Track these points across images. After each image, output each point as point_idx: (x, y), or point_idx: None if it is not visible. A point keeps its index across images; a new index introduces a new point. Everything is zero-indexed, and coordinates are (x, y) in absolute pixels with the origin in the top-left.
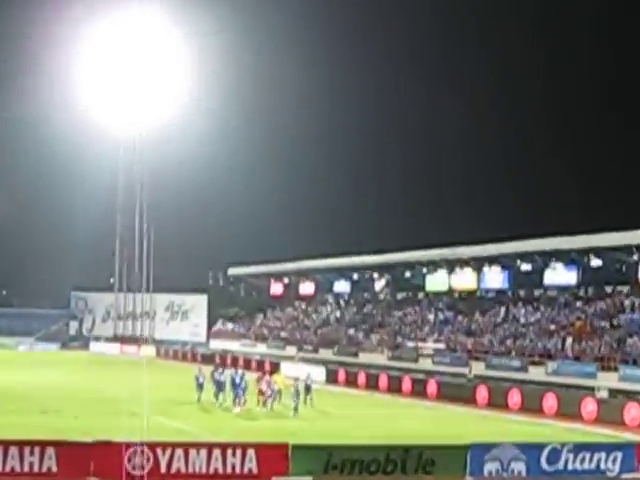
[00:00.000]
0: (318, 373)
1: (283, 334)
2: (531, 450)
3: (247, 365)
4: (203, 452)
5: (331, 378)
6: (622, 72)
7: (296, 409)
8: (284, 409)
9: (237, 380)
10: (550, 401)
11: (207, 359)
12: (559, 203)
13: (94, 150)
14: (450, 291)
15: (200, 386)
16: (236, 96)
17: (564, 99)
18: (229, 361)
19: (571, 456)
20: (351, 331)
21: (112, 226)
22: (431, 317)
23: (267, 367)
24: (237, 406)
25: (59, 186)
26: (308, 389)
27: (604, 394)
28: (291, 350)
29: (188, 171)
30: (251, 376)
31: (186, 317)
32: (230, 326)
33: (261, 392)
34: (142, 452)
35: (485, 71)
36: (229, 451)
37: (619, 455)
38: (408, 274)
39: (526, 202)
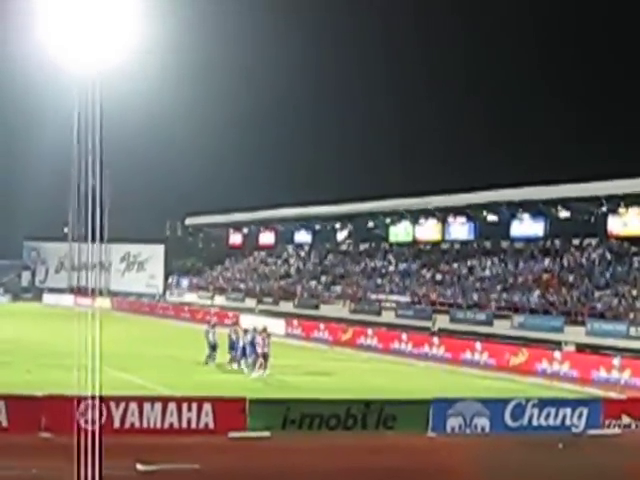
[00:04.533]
0: (278, 326)
1: (242, 286)
2: (495, 405)
3: (204, 317)
4: (158, 406)
5: (291, 331)
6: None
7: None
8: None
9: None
10: (515, 355)
11: (166, 311)
12: (527, 153)
13: (47, 91)
14: (414, 242)
15: (213, 347)
16: (199, 39)
17: (537, 42)
18: (188, 314)
19: (536, 411)
20: (312, 283)
21: (66, 172)
22: (394, 269)
23: (232, 320)
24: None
25: (9, 128)
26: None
27: (571, 349)
28: (250, 302)
29: (146, 116)
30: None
31: (142, 268)
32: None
33: (261, 353)
34: (94, 406)
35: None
36: (184, 405)
37: (585, 411)
38: (371, 224)
39: (493, 151)
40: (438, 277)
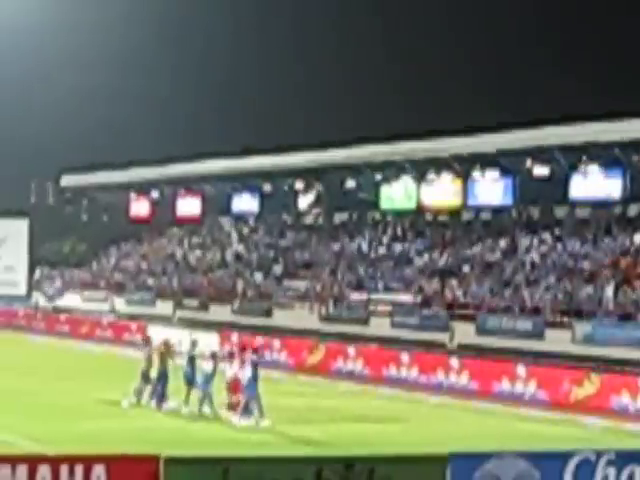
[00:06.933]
0: (208, 342)
1: (151, 281)
2: (549, 462)
3: (93, 331)
4: (22, 470)
5: (229, 350)
6: None
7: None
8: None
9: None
10: (580, 385)
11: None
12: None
13: None
14: (419, 210)
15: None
16: None
17: None
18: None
19: (612, 471)
20: (259, 276)
21: None
22: (388, 252)
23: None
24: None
25: None
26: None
27: None
28: (164, 307)
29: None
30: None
31: None
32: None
33: (233, 387)
34: None
35: None
36: (64, 468)
37: None
38: (352, 184)
39: (540, 71)
40: (458, 265)
